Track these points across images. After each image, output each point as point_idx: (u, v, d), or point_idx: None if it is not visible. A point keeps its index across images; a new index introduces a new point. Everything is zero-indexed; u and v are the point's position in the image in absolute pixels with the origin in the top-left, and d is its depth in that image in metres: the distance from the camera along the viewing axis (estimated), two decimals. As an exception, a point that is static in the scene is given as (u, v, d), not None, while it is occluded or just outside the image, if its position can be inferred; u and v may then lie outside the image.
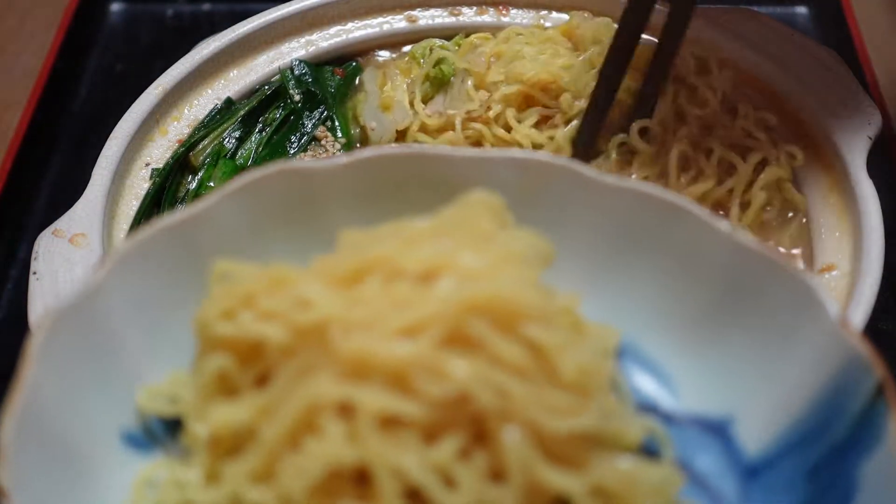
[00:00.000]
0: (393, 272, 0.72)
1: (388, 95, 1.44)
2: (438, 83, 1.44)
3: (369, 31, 1.50)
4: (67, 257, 1.15)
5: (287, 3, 1.47)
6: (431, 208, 0.79)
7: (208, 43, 1.42)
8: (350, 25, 1.50)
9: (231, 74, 1.43)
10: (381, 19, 1.50)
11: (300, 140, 1.39)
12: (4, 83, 1.73)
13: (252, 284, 0.73)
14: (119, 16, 1.89)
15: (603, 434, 0.70)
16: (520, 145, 1.34)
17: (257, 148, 1.37)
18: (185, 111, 1.39)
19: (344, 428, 0.67)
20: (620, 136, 1.30)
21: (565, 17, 1.48)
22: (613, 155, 1.30)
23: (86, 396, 0.73)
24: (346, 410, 0.67)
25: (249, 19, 1.45)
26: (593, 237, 0.83)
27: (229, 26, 1.44)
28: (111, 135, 1.29)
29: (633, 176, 1.28)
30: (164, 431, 0.77)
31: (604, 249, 0.84)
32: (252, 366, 0.73)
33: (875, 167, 1.26)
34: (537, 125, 1.35)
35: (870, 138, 1.26)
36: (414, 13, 1.51)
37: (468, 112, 1.37)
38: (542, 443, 0.68)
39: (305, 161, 0.83)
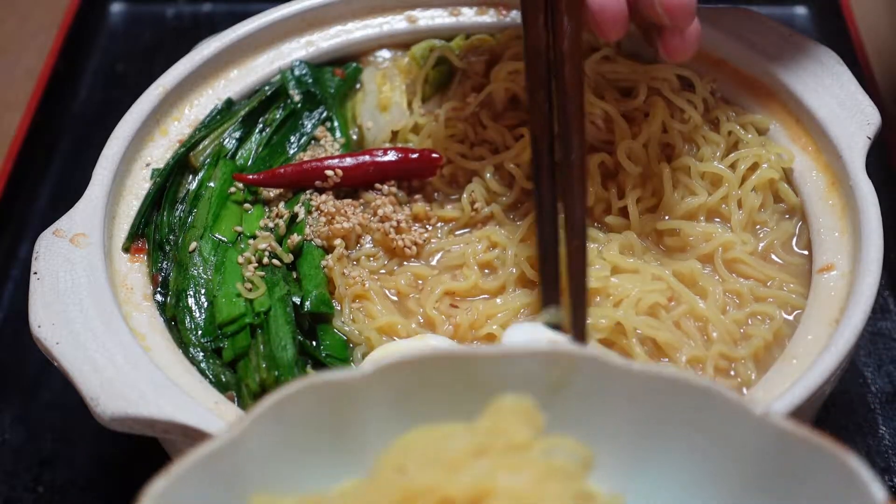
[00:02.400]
0: (443, 500, 0.73)
1: (386, 96, 1.44)
2: (437, 84, 1.44)
3: (369, 31, 1.50)
4: (68, 257, 1.16)
5: (287, 4, 1.47)
6: (462, 405, 0.79)
7: (209, 43, 1.42)
8: (350, 26, 1.50)
9: (231, 75, 1.43)
10: (381, 20, 1.51)
11: (300, 140, 1.39)
12: (5, 84, 1.73)
13: None
14: (119, 16, 1.89)
15: None
16: (492, 143, 1.34)
17: (257, 148, 1.38)
18: (186, 111, 1.39)
19: None
20: (599, 156, 1.31)
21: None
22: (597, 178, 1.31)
23: None
24: None
25: (250, 19, 1.45)
26: (624, 424, 0.83)
27: (229, 26, 1.44)
28: (112, 135, 1.29)
29: (626, 197, 1.29)
30: None
31: (635, 435, 0.83)
32: None
33: (874, 167, 1.26)
34: (517, 127, 1.36)
35: (869, 138, 1.27)
36: (414, 13, 1.51)
37: (455, 110, 1.37)
38: None
39: (329, 373, 0.81)
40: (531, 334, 0.87)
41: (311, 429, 0.81)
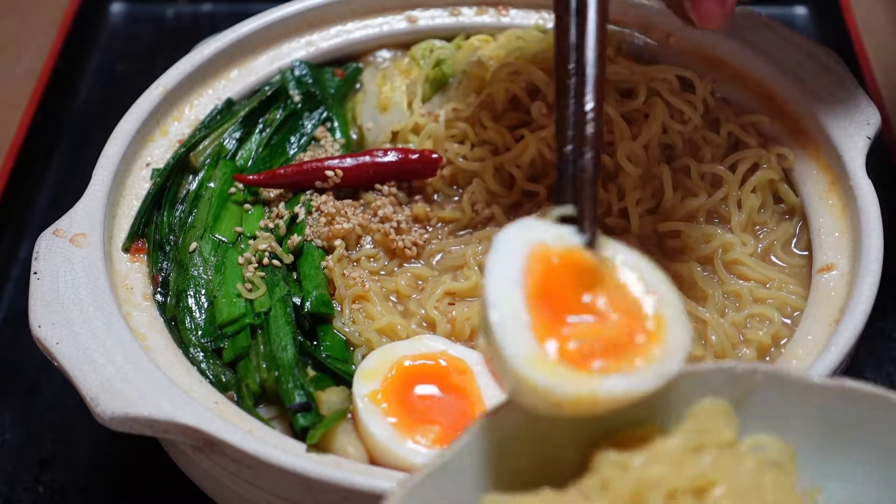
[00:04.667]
0: (671, 492, 0.78)
1: (386, 96, 1.44)
2: (437, 84, 1.44)
3: (369, 31, 1.50)
4: (68, 257, 1.16)
5: (287, 4, 1.47)
6: (661, 416, 0.85)
7: (209, 43, 1.42)
8: (350, 26, 1.50)
9: (232, 75, 1.43)
10: (381, 20, 1.51)
11: (300, 140, 1.39)
12: (5, 84, 1.73)
13: None
14: (119, 16, 1.89)
15: None
16: (493, 144, 1.34)
17: (257, 148, 1.38)
18: (186, 111, 1.39)
19: None
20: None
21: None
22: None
23: None
24: None
25: (250, 20, 1.45)
26: (806, 427, 0.88)
27: (230, 27, 1.44)
28: (112, 135, 1.29)
29: (626, 199, 1.29)
30: None
31: (818, 437, 0.88)
32: None
33: (874, 167, 1.26)
34: (518, 128, 1.36)
35: (869, 138, 1.27)
36: (414, 13, 1.51)
37: (455, 111, 1.37)
38: None
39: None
40: (530, 230, 0.89)
41: (515, 438, 0.86)
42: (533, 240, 0.87)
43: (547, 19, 1.50)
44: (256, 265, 1.23)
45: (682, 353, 0.83)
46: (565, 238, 0.89)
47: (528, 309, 0.83)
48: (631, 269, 0.88)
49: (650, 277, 0.88)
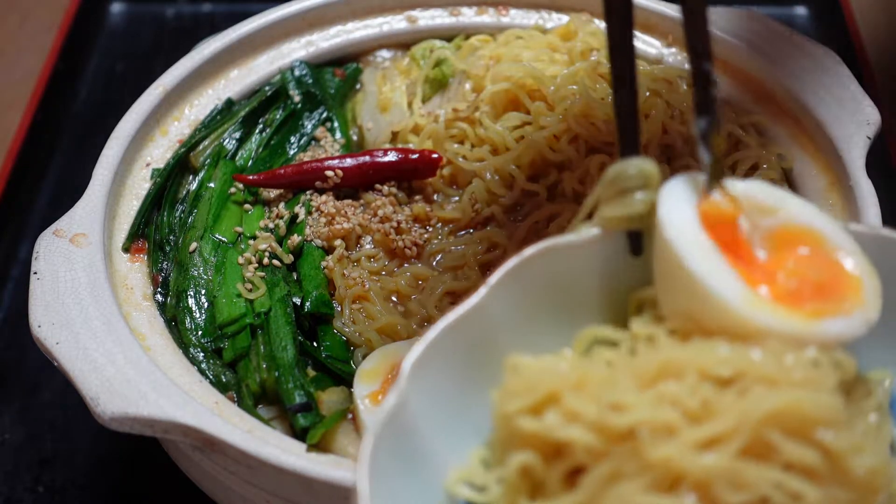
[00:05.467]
0: (698, 377, 0.75)
1: (386, 96, 1.44)
2: (437, 84, 1.44)
3: (369, 31, 1.50)
4: (68, 257, 1.16)
5: (287, 4, 1.47)
6: None
7: (209, 43, 1.42)
8: (350, 26, 1.50)
9: (232, 75, 1.43)
10: (381, 19, 1.51)
11: (300, 141, 1.39)
12: (5, 84, 1.73)
13: (556, 381, 0.76)
14: (119, 16, 1.89)
15: None
16: (493, 145, 1.34)
17: (257, 148, 1.38)
18: (186, 111, 1.39)
19: None
20: (599, 157, 1.31)
21: (566, 17, 1.48)
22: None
23: (405, 501, 0.77)
24: None
25: (250, 19, 1.45)
26: None
27: (230, 27, 1.44)
28: (112, 135, 1.29)
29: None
30: None
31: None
32: (558, 463, 0.76)
33: (874, 166, 1.26)
34: (518, 128, 1.36)
35: (869, 138, 1.27)
36: (414, 13, 1.51)
37: (455, 111, 1.37)
38: None
39: (558, 239, 0.85)
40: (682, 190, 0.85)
41: (542, 291, 0.85)
42: (691, 198, 0.83)
43: (547, 19, 1.50)
44: (256, 265, 1.23)
45: (879, 299, 0.79)
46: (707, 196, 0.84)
47: (721, 254, 0.79)
48: (798, 210, 0.82)
49: (816, 217, 0.82)
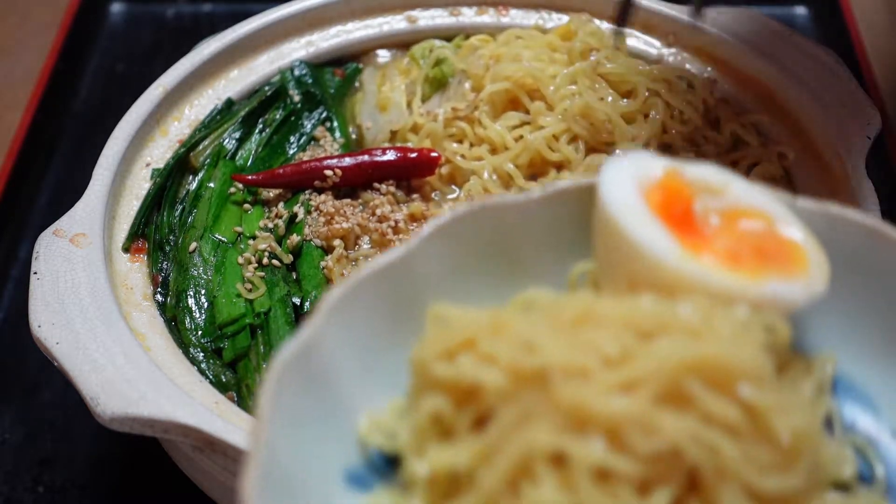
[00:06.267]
0: (621, 326, 0.72)
1: (385, 96, 1.44)
2: (437, 84, 1.44)
3: (369, 31, 1.50)
4: (68, 257, 1.16)
5: (287, 4, 1.47)
6: None
7: (209, 43, 1.42)
8: (350, 26, 1.50)
9: (231, 75, 1.43)
10: (381, 19, 1.51)
11: (299, 140, 1.40)
12: (5, 84, 1.73)
13: (473, 328, 0.74)
14: (119, 16, 1.89)
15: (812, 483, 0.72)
16: (492, 143, 1.34)
17: (257, 148, 1.38)
18: (186, 111, 1.39)
19: (558, 478, 0.68)
20: (599, 157, 1.31)
21: (566, 17, 1.48)
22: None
23: (313, 443, 0.75)
24: (560, 460, 0.69)
25: (250, 20, 1.45)
26: None
27: (230, 27, 1.45)
28: (112, 135, 1.29)
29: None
30: (385, 464, 0.78)
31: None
32: (468, 408, 0.73)
33: (874, 167, 1.26)
34: (517, 128, 1.36)
35: (869, 138, 1.27)
36: (414, 13, 1.51)
37: (454, 110, 1.37)
38: (753, 497, 0.69)
39: (498, 196, 0.83)
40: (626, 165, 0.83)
41: (478, 250, 0.82)
42: (634, 174, 0.82)
43: (546, 19, 1.50)
44: (256, 265, 1.23)
45: (825, 273, 0.77)
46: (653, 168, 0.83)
47: (662, 222, 0.78)
48: (740, 186, 0.82)
49: (759, 194, 0.82)
